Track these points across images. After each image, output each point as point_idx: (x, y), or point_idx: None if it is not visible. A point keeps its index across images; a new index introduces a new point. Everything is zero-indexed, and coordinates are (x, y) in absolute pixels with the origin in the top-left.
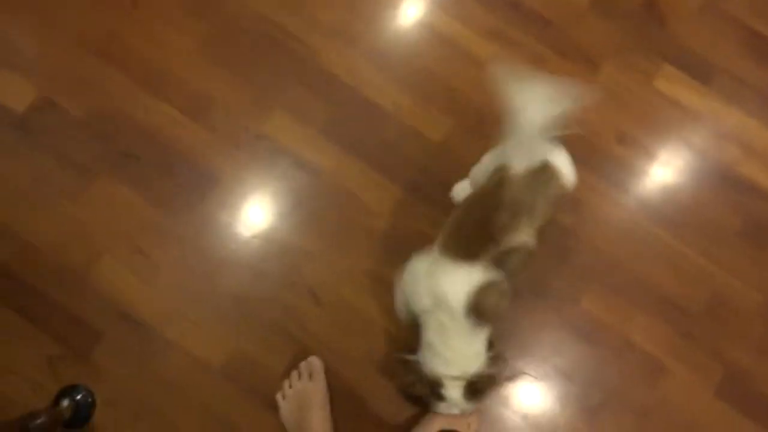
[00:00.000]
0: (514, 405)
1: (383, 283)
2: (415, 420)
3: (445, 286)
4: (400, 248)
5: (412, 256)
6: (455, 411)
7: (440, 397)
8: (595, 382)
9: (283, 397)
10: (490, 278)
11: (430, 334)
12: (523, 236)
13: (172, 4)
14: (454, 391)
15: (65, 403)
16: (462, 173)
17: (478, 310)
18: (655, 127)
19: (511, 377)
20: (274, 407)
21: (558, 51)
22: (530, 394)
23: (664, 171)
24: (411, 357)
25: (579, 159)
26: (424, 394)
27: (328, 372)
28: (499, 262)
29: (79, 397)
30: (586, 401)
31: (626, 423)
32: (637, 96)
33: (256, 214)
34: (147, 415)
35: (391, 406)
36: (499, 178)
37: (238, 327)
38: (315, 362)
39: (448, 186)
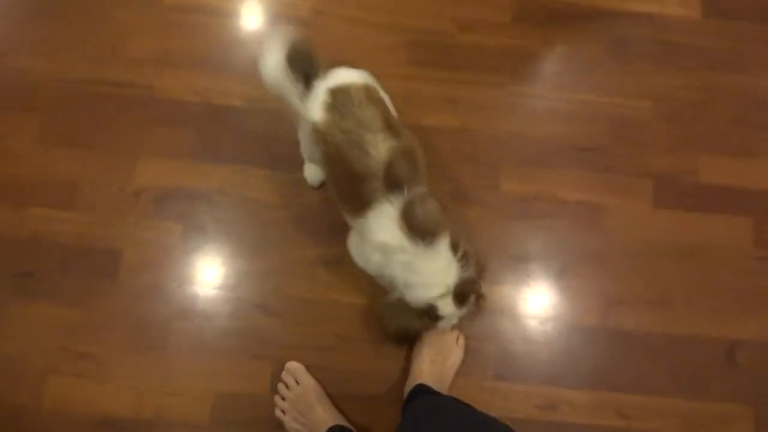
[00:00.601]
0: (491, 308)
1: (319, 264)
2: (406, 369)
3: (378, 236)
4: (317, 224)
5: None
6: (454, 322)
7: (438, 318)
8: (549, 250)
9: (283, 411)
10: (401, 200)
11: (402, 275)
12: (383, 145)
13: None
14: (447, 306)
15: None
16: None
17: (418, 228)
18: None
19: (484, 266)
20: (279, 426)
21: None
22: (501, 293)
23: (515, 34)
24: (394, 299)
25: (435, 63)
26: (422, 325)
27: (311, 369)
28: (394, 182)
29: None
30: (549, 271)
31: (591, 272)
32: None
33: (172, 264)
34: None
35: (379, 370)
36: (317, 136)
37: (206, 374)
38: (294, 366)
39: None
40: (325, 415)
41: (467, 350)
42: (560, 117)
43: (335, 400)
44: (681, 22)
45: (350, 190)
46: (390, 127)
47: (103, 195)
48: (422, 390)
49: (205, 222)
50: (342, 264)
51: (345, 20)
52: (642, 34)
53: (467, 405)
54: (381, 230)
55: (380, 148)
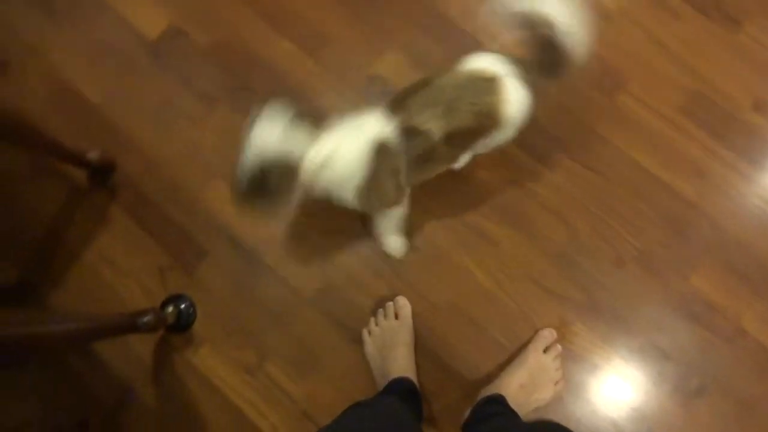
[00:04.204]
0: (602, 383)
1: (481, 236)
2: (494, 375)
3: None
4: (506, 205)
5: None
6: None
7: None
8: (696, 365)
9: (369, 333)
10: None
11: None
12: (430, 125)
13: None
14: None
15: (170, 308)
16: None
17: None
18: None
19: None
20: (358, 342)
21: (696, 6)
22: (623, 370)
23: None
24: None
25: (708, 124)
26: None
27: (414, 316)
28: (405, 135)
29: (182, 306)
30: (684, 384)
31: (726, 413)
32: None
33: None
34: (238, 332)
35: (471, 360)
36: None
37: (332, 260)
38: (402, 303)
39: None
40: (403, 360)
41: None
42: None
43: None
44: None
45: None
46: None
47: (342, 63)
48: (503, 402)
49: None
50: None
51: (644, 32)
52: None
53: None
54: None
55: (428, 121)
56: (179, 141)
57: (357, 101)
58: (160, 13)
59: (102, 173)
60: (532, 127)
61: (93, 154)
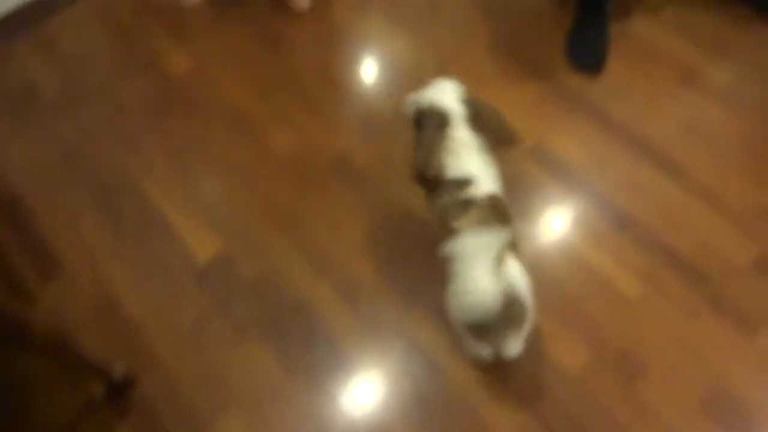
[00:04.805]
0: None
1: None
2: None
3: None
4: None
5: None
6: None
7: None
8: None
9: None
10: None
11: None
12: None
13: (351, 198)
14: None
15: None
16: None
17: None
18: None
19: None
20: None
21: (712, 306)
22: None
23: None
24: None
25: (725, 424)
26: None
27: None
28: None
29: None
30: None
31: None
32: None
33: (374, 408)
34: None
35: None
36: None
37: None
38: None
39: None
40: None
41: None
42: None
43: None
44: None
45: None
46: None
47: (373, 313)
48: None
49: (426, 394)
50: None
51: (664, 324)
52: None
53: None
54: None
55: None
56: (203, 366)
57: (381, 354)
58: (214, 239)
59: (120, 390)
60: (555, 408)
61: (116, 372)
